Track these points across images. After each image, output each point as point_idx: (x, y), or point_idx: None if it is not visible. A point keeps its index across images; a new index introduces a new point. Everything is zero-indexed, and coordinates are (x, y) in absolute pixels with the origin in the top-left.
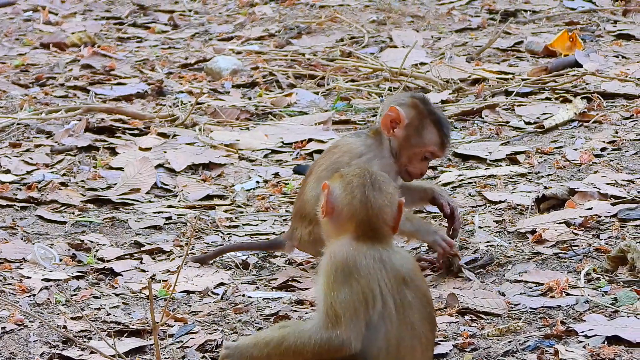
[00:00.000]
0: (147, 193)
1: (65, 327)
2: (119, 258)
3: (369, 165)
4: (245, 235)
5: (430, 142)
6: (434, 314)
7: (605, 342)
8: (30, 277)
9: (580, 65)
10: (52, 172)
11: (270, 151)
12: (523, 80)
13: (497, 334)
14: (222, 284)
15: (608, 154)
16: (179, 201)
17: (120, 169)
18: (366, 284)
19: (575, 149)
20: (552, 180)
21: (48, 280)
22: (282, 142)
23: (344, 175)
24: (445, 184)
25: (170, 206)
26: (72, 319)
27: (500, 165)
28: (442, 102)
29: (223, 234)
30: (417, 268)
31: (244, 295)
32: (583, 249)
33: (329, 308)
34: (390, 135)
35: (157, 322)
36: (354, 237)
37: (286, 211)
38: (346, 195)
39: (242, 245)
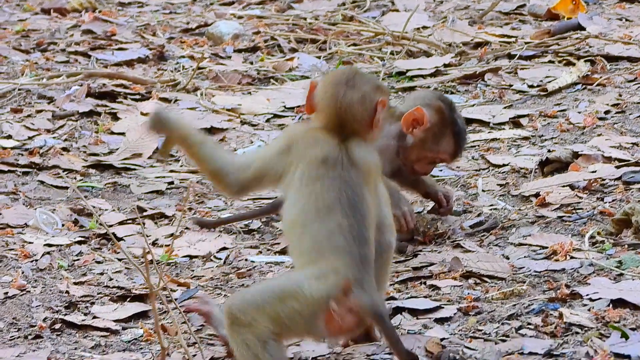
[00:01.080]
0: (149, 158)
1: (67, 292)
2: (121, 223)
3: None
4: (248, 199)
5: (445, 151)
6: (367, 210)
7: (610, 305)
8: (32, 243)
9: (584, 28)
10: (53, 138)
11: (272, 115)
12: (526, 43)
13: (502, 298)
14: (224, 248)
15: (612, 116)
16: (181, 166)
17: (122, 134)
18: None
19: (578, 112)
20: (555, 143)
21: (50, 245)
22: (284, 106)
23: (328, 74)
24: None
25: (172, 171)
26: (75, 284)
27: (504, 129)
28: (445, 65)
29: (225, 198)
30: (377, 165)
31: (246, 260)
32: (587, 212)
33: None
34: (408, 132)
35: (156, 287)
36: (321, 126)
37: None
38: (322, 91)
39: (245, 215)
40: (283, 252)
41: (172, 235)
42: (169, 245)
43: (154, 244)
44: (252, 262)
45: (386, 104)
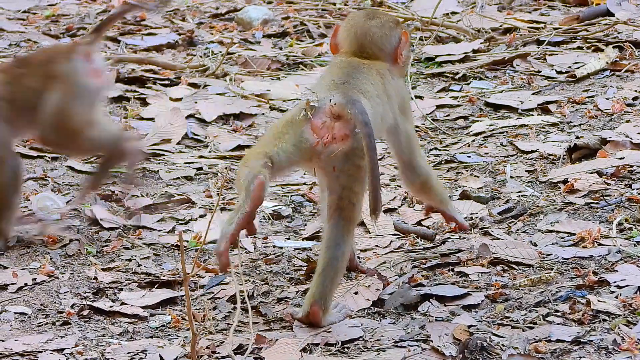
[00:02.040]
0: (178, 143)
1: (95, 278)
2: (147, 207)
3: None
4: (276, 185)
5: None
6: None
7: (638, 292)
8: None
9: (612, 14)
10: None
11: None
12: (555, 29)
13: (529, 285)
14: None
15: None
16: (209, 152)
17: (151, 119)
18: None
19: (607, 98)
20: (583, 129)
21: (78, 231)
22: None
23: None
24: (476, 134)
25: (201, 157)
26: (103, 270)
27: (532, 115)
28: (474, 51)
29: None
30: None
31: (274, 246)
32: (615, 198)
33: None
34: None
35: (188, 273)
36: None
37: None
38: (344, 27)
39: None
40: (311, 238)
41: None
42: (198, 231)
43: (183, 230)
44: (281, 248)
45: (408, 37)
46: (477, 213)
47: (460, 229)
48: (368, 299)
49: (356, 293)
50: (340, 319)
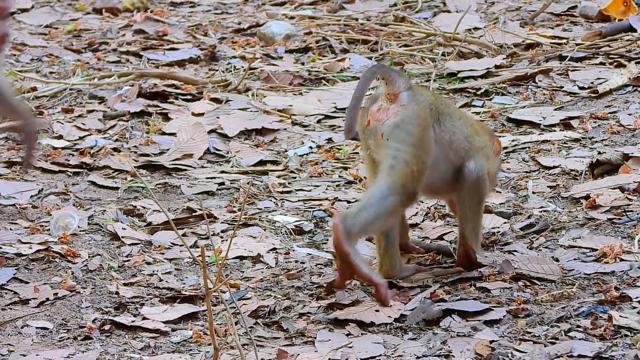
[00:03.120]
0: (200, 158)
1: (117, 293)
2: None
3: None
4: (299, 200)
5: None
6: None
7: None
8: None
9: (635, 30)
10: (104, 138)
11: (323, 116)
12: (577, 45)
13: (551, 300)
14: (274, 249)
15: None
16: (231, 167)
17: (173, 134)
18: None
19: (629, 114)
20: (606, 145)
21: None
22: (335, 107)
23: None
24: None
25: (223, 172)
26: (125, 285)
27: (554, 131)
28: (496, 67)
29: (276, 199)
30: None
31: (297, 261)
32: (637, 214)
33: None
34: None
35: (210, 288)
36: None
37: (339, 177)
38: None
39: None
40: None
41: (221, 236)
42: (218, 246)
43: (205, 245)
44: (302, 263)
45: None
46: (499, 228)
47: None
48: (390, 316)
49: (377, 311)
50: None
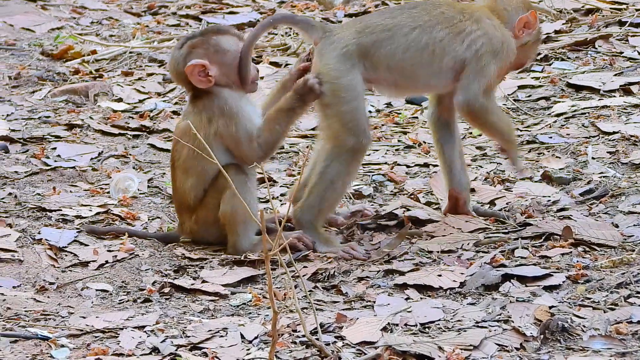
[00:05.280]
0: None
1: (176, 256)
2: None
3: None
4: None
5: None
6: None
7: None
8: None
9: None
10: (164, 101)
11: None
12: (637, 10)
13: (611, 266)
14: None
15: None
16: (291, 130)
17: None
18: None
19: None
20: None
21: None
22: None
23: None
24: (558, 115)
25: None
26: (184, 247)
27: (614, 96)
28: (556, 32)
29: None
30: None
31: (356, 225)
32: None
33: None
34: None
35: (271, 251)
36: None
37: (398, 141)
38: None
39: (137, 233)
40: (390, 218)
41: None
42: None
43: (264, 209)
44: (362, 226)
45: (531, 18)
46: (557, 194)
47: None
48: (454, 280)
49: (439, 275)
50: None
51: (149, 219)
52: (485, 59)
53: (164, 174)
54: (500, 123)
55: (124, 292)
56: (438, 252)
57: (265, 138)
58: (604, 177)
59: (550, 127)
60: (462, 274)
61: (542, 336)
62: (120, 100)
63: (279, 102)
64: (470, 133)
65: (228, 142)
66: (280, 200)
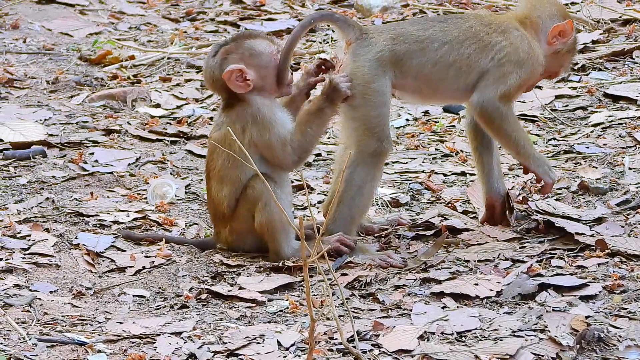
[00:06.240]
0: None
1: (213, 262)
2: None
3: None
4: (395, 172)
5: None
6: None
7: None
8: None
9: None
10: (201, 107)
11: None
12: None
13: None
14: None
15: None
16: (328, 138)
17: None
18: None
19: None
20: None
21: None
22: None
23: None
24: (595, 125)
25: (320, 142)
26: (221, 254)
27: None
28: (593, 42)
29: None
30: None
31: (393, 234)
32: None
33: None
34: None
35: (309, 259)
36: None
37: (435, 149)
38: None
39: (174, 239)
40: (427, 227)
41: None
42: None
43: (303, 216)
44: (399, 236)
45: (568, 27)
46: (594, 203)
47: (542, 190)
48: (491, 289)
49: (476, 284)
50: None
51: (186, 225)
52: (508, 67)
53: (202, 180)
54: (515, 133)
55: (161, 298)
56: (475, 261)
57: (298, 142)
58: None
59: (587, 137)
60: (498, 283)
61: (578, 346)
62: (158, 106)
63: (309, 105)
64: None
65: (262, 150)
66: (317, 208)
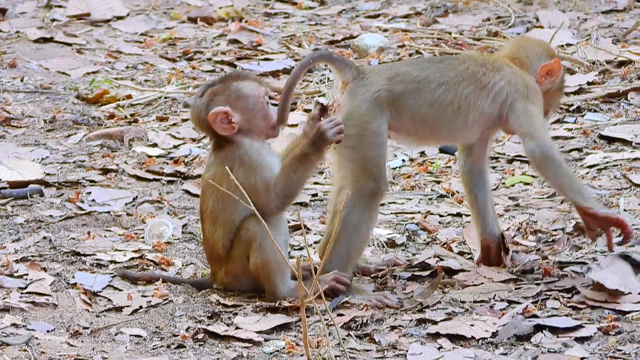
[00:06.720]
0: None
1: (210, 302)
2: None
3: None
4: (391, 213)
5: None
6: None
7: None
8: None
9: None
10: (198, 147)
11: None
12: None
13: None
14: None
15: None
16: (324, 178)
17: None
18: None
19: None
20: None
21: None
22: None
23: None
24: (590, 166)
25: (316, 183)
26: (218, 294)
27: None
28: (588, 83)
29: None
30: None
31: (389, 274)
32: None
33: None
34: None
35: (306, 299)
36: None
37: (432, 190)
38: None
39: (171, 278)
40: (423, 267)
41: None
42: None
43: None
44: (394, 276)
45: (554, 66)
46: (594, 246)
47: (625, 236)
48: (486, 330)
49: (472, 325)
50: None
51: (183, 265)
52: (519, 104)
53: (198, 220)
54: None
55: (157, 337)
56: (470, 301)
57: (282, 187)
58: (636, 229)
59: (582, 178)
60: (494, 324)
61: None
62: (155, 145)
63: (295, 151)
64: (503, 183)
65: (248, 192)
66: (314, 248)
